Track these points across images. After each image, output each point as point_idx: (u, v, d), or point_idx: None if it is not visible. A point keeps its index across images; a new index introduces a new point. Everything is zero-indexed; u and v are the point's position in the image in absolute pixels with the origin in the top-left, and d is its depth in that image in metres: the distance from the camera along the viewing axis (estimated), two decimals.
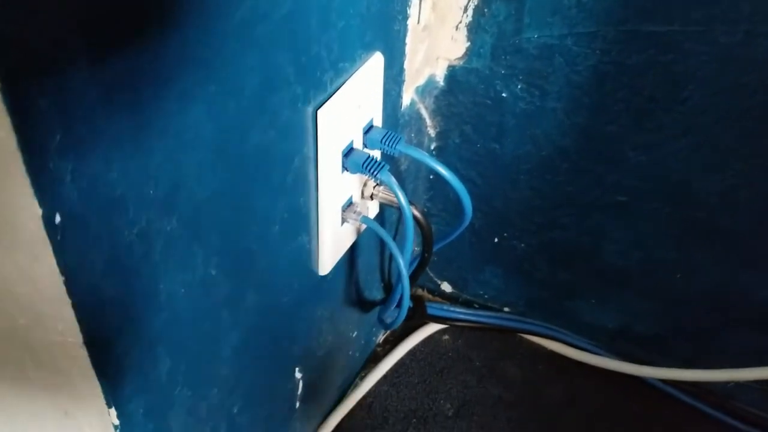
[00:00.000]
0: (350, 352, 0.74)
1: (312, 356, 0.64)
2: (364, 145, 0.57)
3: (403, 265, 0.58)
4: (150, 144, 0.35)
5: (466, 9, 0.64)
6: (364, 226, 0.61)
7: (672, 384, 0.77)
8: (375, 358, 0.81)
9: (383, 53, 0.56)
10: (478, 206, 0.76)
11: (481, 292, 0.85)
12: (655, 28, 0.59)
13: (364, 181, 0.58)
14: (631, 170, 0.68)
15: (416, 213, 0.58)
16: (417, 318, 0.81)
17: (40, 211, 0.30)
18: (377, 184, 0.58)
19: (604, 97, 0.64)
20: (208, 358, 0.47)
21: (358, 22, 0.51)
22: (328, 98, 0.50)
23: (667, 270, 0.73)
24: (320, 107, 0.49)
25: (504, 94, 0.68)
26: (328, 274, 0.59)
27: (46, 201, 0.30)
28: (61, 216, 0.31)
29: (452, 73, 0.68)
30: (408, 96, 0.65)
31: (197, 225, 0.41)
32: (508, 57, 0.65)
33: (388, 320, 0.70)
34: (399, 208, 0.56)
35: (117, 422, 0.40)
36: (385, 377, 0.79)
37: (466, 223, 0.63)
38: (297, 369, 0.62)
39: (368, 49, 0.54)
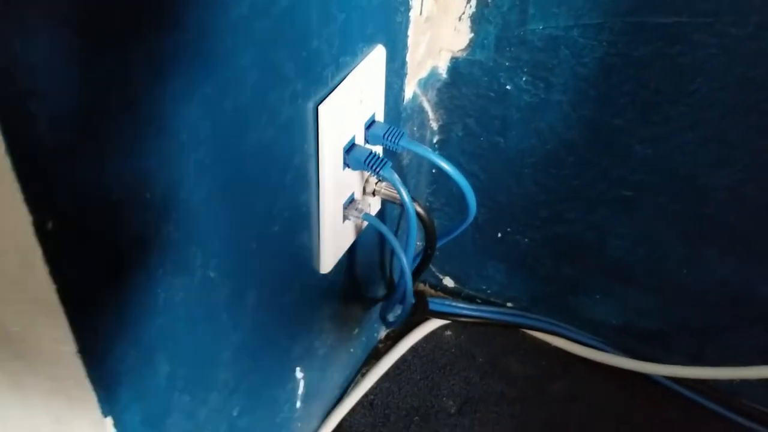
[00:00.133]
0: (351, 350, 0.73)
1: (313, 355, 0.63)
2: (366, 141, 0.55)
3: (406, 264, 0.57)
4: (145, 146, 0.34)
5: None
6: (365, 223, 0.59)
7: (677, 381, 0.76)
8: (376, 355, 0.80)
9: (385, 46, 0.54)
10: (482, 201, 0.75)
11: (484, 287, 0.84)
12: (663, 20, 0.58)
13: (365, 177, 0.57)
14: (638, 164, 0.66)
15: (419, 210, 0.57)
16: (419, 314, 0.80)
17: (30, 218, 0.29)
18: (379, 180, 0.57)
19: (611, 89, 0.63)
20: (208, 362, 0.46)
21: (359, 15, 0.49)
22: (329, 93, 0.49)
23: (673, 265, 0.72)
24: (321, 103, 0.48)
25: (508, 87, 0.66)
26: (329, 273, 0.58)
27: (37, 207, 0.29)
28: (53, 223, 0.30)
29: (455, 65, 0.67)
30: (410, 89, 0.64)
31: (195, 227, 0.39)
32: (512, 48, 0.64)
33: (391, 318, 0.69)
34: (401, 205, 0.55)
35: (113, 431, 0.38)
36: (386, 374, 0.78)
37: (470, 220, 0.62)
38: (298, 369, 0.61)
39: (370, 42, 0.53)
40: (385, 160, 0.53)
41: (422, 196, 0.77)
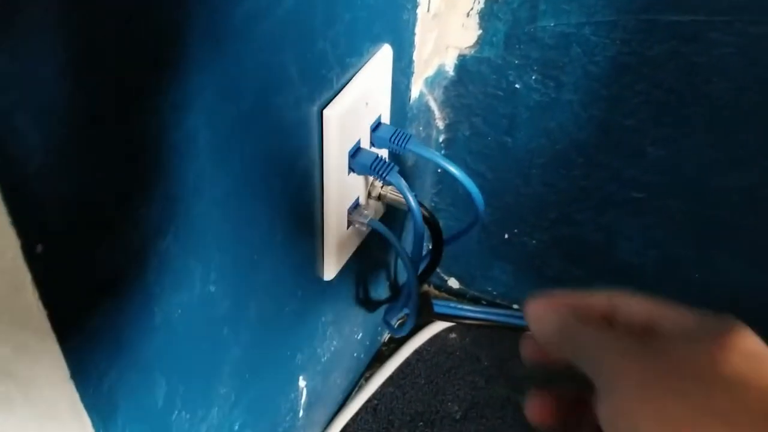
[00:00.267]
0: (355, 354, 0.72)
1: (316, 363, 0.61)
2: (372, 144, 0.53)
3: (413, 277, 0.55)
4: (139, 160, 0.32)
5: None
6: (370, 228, 0.57)
7: None
8: (380, 358, 0.78)
9: (392, 45, 0.52)
10: (488, 201, 0.72)
11: (490, 289, 0.82)
12: (679, 18, 0.56)
13: (370, 181, 0.55)
14: (649, 165, 0.65)
15: (426, 214, 0.55)
16: (423, 316, 0.78)
17: (19, 242, 0.27)
18: (384, 184, 0.55)
19: (623, 89, 0.61)
20: (208, 378, 0.44)
21: (365, 14, 0.47)
22: (334, 96, 0.47)
23: (684, 268, 0.70)
24: (326, 106, 0.46)
25: (517, 85, 0.64)
26: (333, 279, 0.56)
27: (25, 230, 0.27)
28: (43, 246, 0.28)
29: (463, 62, 0.65)
30: (416, 88, 0.62)
31: (195, 241, 0.37)
32: (522, 46, 0.62)
33: (394, 323, 0.67)
34: (408, 209, 0.53)
35: None
36: (390, 378, 0.77)
37: (478, 224, 0.60)
38: (301, 377, 0.59)
39: (376, 41, 0.50)
40: (392, 164, 0.51)
41: (427, 196, 0.76)
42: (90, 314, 0.32)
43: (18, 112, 0.25)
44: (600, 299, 0.34)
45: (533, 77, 0.63)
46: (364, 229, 0.56)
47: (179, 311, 0.38)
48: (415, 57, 0.59)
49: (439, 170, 0.74)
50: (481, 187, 0.71)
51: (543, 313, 0.34)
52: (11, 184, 0.26)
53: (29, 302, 0.29)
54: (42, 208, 0.27)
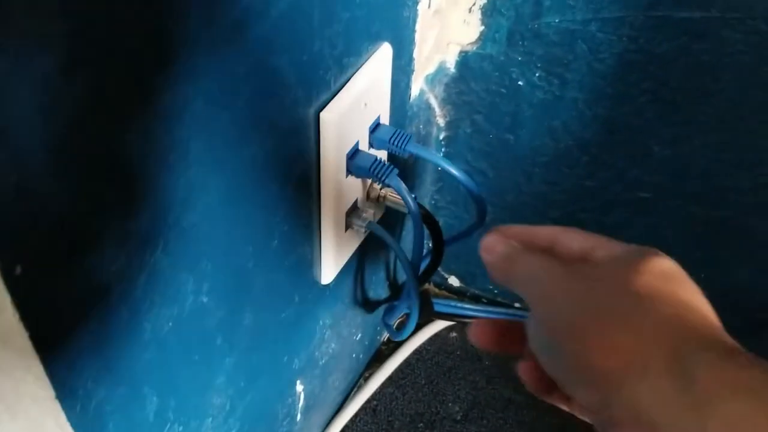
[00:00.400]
0: (354, 355, 0.70)
1: (314, 366, 0.60)
2: (371, 145, 0.52)
3: (412, 279, 0.54)
4: (125, 171, 0.30)
5: None
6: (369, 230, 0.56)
7: None
8: (379, 358, 0.77)
9: (391, 43, 0.51)
10: (490, 200, 0.71)
11: (491, 287, 0.80)
12: (689, 14, 0.54)
13: (369, 183, 0.54)
14: (656, 165, 0.63)
15: (426, 216, 0.54)
16: (423, 315, 0.77)
17: None
18: (384, 186, 0.54)
19: (629, 87, 0.59)
20: (201, 390, 0.43)
21: (364, 13, 0.45)
22: (332, 98, 0.45)
23: (690, 269, 0.68)
24: (323, 109, 0.44)
25: (520, 83, 0.63)
26: (331, 283, 0.55)
27: (2, 252, 0.25)
28: (22, 266, 0.26)
29: (464, 59, 0.63)
30: (417, 86, 0.60)
31: (186, 252, 0.36)
32: (525, 42, 0.60)
33: (394, 324, 0.66)
34: (407, 211, 0.52)
35: None
36: (390, 378, 0.75)
37: (481, 227, 0.58)
38: (298, 381, 0.58)
39: (375, 40, 0.49)
40: (391, 167, 0.50)
41: (428, 194, 0.74)
42: (74, 333, 0.30)
43: None
44: (545, 232, 0.37)
45: (537, 74, 0.62)
46: (362, 231, 0.54)
47: (170, 324, 0.37)
48: (415, 54, 0.57)
49: (439, 168, 0.72)
50: (482, 185, 0.70)
51: (494, 243, 0.37)
52: None
53: (10, 323, 0.28)
54: (19, 228, 0.26)
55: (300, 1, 0.38)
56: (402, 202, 0.52)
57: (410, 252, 0.56)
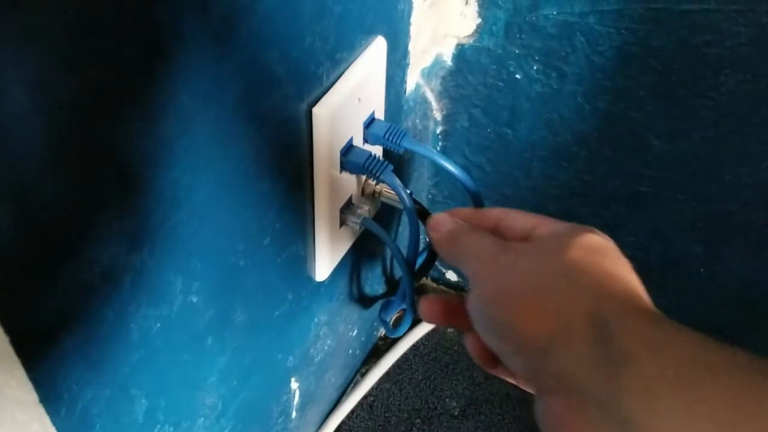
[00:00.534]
0: (350, 351, 0.70)
1: (309, 363, 0.59)
2: (365, 141, 0.51)
3: (407, 276, 0.53)
4: (108, 171, 0.29)
5: None
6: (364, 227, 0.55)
7: None
8: (376, 353, 0.77)
9: (386, 37, 0.50)
10: (487, 194, 0.70)
11: None
12: (689, 7, 0.53)
13: (364, 179, 0.53)
14: (655, 159, 0.62)
15: (422, 212, 0.53)
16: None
17: None
18: (379, 182, 0.53)
19: (628, 80, 0.59)
20: (192, 390, 0.43)
21: (358, 5, 0.45)
22: (324, 93, 0.44)
23: (690, 264, 0.68)
24: (315, 104, 0.44)
25: (518, 76, 0.62)
26: (325, 280, 0.54)
27: None
28: (1, 268, 0.26)
29: (461, 52, 0.62)
30: (412, 80, 0.59)
31: (173, 252, 0.35)
32: (523, 35, 0.59)
33: (390, 320, 0.65)
34: (403, 208, 0.51)
35: None
36: (387, 374, 0.75)
37: None
38: (293, 379, 0.57)
39: (369, 33, 0.48)
40: (385, 163, 0.49)
41: (424, 189, 0.73)
42: (57, 336, 0.30)
43: None
44: (492, 213, 0.39)
45: (535, 67, 0.61)
46: (357, 228, 0.53)
47: (158, 325, 0.36)
48: (410, 48, 0.56)
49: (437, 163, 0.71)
50: (479, 180, 0.69)
51: (441, 222, 0.39)
52: None
53: None
54: None
55: None
56: (397, 199, 0.51)
57: (406, 249, 0.55)
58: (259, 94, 0.38)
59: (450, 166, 0.51)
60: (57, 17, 0.24)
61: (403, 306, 0.63)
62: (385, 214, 0.62)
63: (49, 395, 0.31)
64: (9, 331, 0.27)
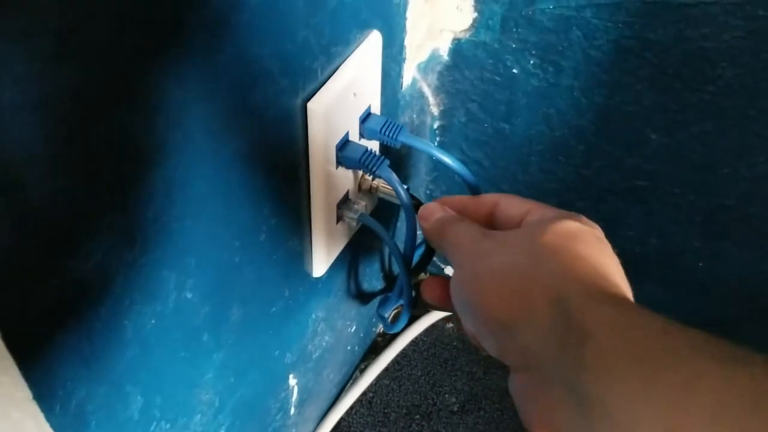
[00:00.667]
0: (349, 347, 0.70)
1: (307, 360, 0.59)
2: (362, 136, 0.51)
3: (405, 272, 0.53)
4: (99, 166, 0.29)
5: None
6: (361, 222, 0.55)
7: None
8: (375, 349, 0.76)
9: (381, 31, 0.50)
10: (485, 189, 0.69)
11: None
12: (686, 0, 0.53)
13: (361, 174, 0.53)
14: (653, 153, 0.62)
15: (418, 206, 0.53)
16: (419, 306, 0.76)
17: None
18: (375, 178, 0.53)
19: (625, 74, 0.58)
20: (188, 386, 0.42)
21: None
22: (319, 88, 0.44)
23: (689, 258, 0.68)
24: (310, 99, 0.43)
25: (515, 70, 0.62)
26: (323, 275, 0.54)
27: None
28: None
29: (458, 46, 0.62)
30: (409, 75, 0.59)
31: (167, 249, 0.35)
32: (519, 29, 0.59)
33: (388, 316, 0.65)
34: (400, 203, 0.51)
35: None
36: (386, 370, 0.75)
37: None
38: (291, 376, 0.57)
39: (364, 27, 0.48)
40: (382, 157, 0.49)
41: (423, 184, 0.73)
42: (50, 333, 0.30)
43: None
44: (487, 199, 0.40)
45: (531, 62, 0.61)
46: (354, 223, 0.53)
47: (152, 322, 0.36)
48: (406, 42, 0.56)
49: (434, 157, 0.71)
50: (477, 175, 0.68)
51: (431, 211, 0.40)
52: None
53: None
54: None
55: None
56: (394, 194, 0.51)
57: (404, 245, 0.55)
58: (253, 88, 0.37)
59: (447, 159, 0.51)
60: (49, 12, 0.24)
61: (401, 302, 0.63)
62: (383, 210, 0.62)
63: (43, 392, 0.31)
64: (1, 328, 0.27)
